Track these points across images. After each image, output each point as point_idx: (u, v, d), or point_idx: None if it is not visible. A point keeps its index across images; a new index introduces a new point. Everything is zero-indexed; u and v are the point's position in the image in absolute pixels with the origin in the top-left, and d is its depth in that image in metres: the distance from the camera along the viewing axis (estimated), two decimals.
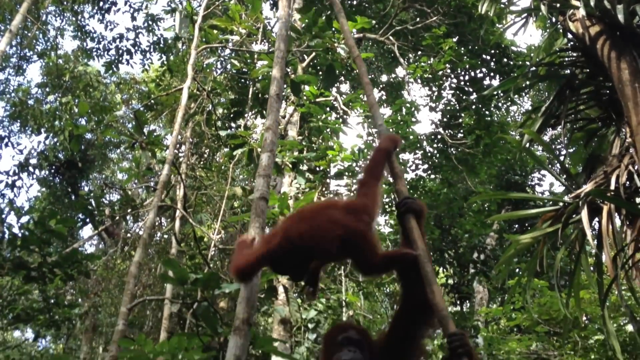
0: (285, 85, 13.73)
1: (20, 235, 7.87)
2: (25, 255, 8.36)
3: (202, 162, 15.11)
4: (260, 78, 11.54)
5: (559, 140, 15.97)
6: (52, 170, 20.50)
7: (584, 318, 8.98)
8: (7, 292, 11.59)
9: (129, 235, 16.93)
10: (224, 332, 5.22)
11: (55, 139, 18.90)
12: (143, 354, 5.36)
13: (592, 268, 5.19)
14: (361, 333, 3.14)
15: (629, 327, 8.73)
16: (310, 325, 10.92)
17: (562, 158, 6.31)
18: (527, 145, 6.18)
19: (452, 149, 15.28)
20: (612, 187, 4.58)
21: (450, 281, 19.37)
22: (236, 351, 3.18)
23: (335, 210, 3.25)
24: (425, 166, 16.53)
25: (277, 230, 3.25)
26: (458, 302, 19.14)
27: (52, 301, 10.44)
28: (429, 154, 16.14)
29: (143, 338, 5.29)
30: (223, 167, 14.96)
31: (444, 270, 18.90)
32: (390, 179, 3.78)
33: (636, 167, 4.52)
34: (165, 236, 15.88)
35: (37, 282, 8.44)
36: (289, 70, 11.51)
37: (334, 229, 3.07)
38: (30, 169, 19.51)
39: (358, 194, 3.58)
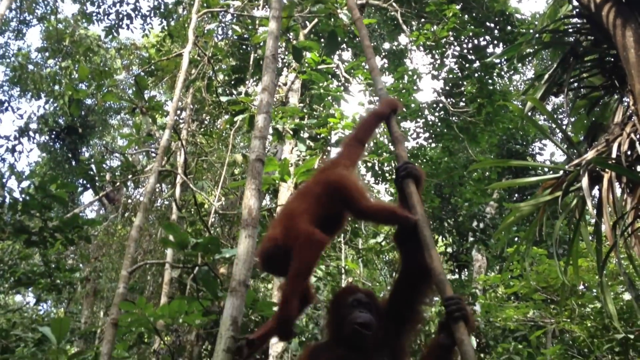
0: (286, 52, 13.69)
1: (21, 199, 7.89)
2: (26, 220, 8.38)
3: (202, 129, 15.07)
4: (261, 44, 11.43)
5: (561, 110, 15.93)
6: (53, 136, 20.48)
7: (582, 287, 9.04)
8: (8, 257, 11.67)
9: (129, 201, 16.98)
10: (224, 296, 5.25)
11: (56, 104, 18.85)
12: (144, 317, 5.41)
13: (591, 237, 5.20)
14: (369, 296, 3.17)
15: (626, 296, 8.80)
16: None
17: (564, 126, 6.26)
18: (530, 113, 6.15)
19: (453, 118, 15.23)
20: (614, 155, 4.56)
21: (449, 250, 19.48)
22: (233, 312, 3.19)
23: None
24: (427, 135, 16.49)
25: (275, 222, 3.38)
26: (456, 271, 19.25)
27: (53, 265, 10.52)
28: (431, 123, 16.08)
29: (143, 301, 5.33)
30: (224, 134, 14.92)
31: (443, 239, 18.97)
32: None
33: (638, 135, 4.50)
34: (166, 202, 15.91)
35: (37, 246, 8.47)
36: (290, 36, 11.41)
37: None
38: (31, 133, 19.50)
39: (339, 156, 3.61)
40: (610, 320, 8.30)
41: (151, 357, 10.23)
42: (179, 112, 13.06)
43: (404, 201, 3.28)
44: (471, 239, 18.03)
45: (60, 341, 5.39)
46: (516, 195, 18.25)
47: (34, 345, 10.53)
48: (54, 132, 20.29)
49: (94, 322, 16.27)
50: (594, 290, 8.96)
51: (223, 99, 9.47)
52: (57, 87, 17.54)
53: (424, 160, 16.48)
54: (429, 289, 3.15)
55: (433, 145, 17.16)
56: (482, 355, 12.61)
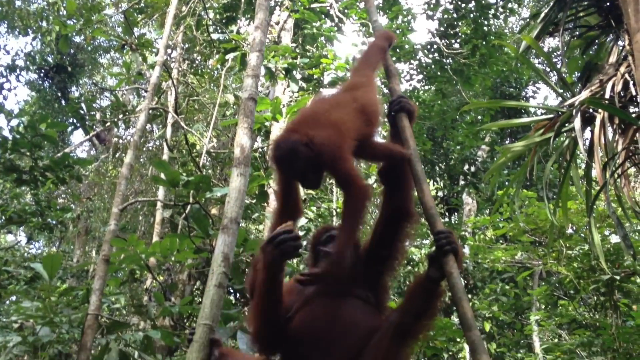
0: None
1: (10, 138, 7.83)
2: (16, 159, 8.34)
3: (193, 68, 14.86)
4: None
5: (555, 53, 15.79)
6: (42, 74, 20.21)
7: (570, 231, 9.14)
8: None
9: (120, 141, 16.88)
10: (215, 235, 5.28)
11: (44, 42, 18.52)
12: (135, 254, 5.45)
13: (580, 180, 5.22)
14: None
15: (613, 238, 8.92)
16: (300, 233, 11.05)
17: (559, 66, 6.21)
18: (525, 53, 6.08)
19: (448, 60, 15.07)
20: (607, 95, 4.54)
21: (440, 194, 19.61)
22: (224, 249, 3.20)
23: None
24: (420, 77, 16.35)
25: None
26: (447, 214, 19.43)
27: (44, 204, 10.52)
28: (424, 65, 15.92)
29: (135, 239, 5.36)
30: (215, 74, 14.75)
31: (435, 183, 19.07)
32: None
33: (632, 75, 4.46)
34: (157, 143, 15.84)
35: (28, 185, 8.46)
36: None
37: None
38: (18, 71, 19.22)
39: (356, 77, 3.53)
40: (597, 262, 8.43)
41: (143, 294, 10.35)
42: (169, 50, 12.85)
43: (395, 136, 3.26)
44: (462, 182, 18.13)
45: (52, 277, 5.44)
46: (508, 139, 18.28)
47: (26, 283, 10.63)
48: (43, 71, 20.02)
49: (86, 262, 16.40)
50: (582, 234, 9.07)
51: (214, 36, 9.32)
52: (44, 24, 17.15)
53: (417, 102, 16.38)
54: (410, 227, 3.15)
55: (426, 87, 17.05)
56: (469, 296, 12.85)
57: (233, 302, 11.11)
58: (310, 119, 3.08)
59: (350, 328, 2.86)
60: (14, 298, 9.93)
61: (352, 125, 3.03)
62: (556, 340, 11.37)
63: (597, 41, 5.91)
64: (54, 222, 11.79)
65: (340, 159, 2.89)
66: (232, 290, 14.48)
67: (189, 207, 5.61)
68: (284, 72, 8.44)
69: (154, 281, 9.83)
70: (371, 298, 3.04)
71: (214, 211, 12.99)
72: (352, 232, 2.93)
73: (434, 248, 2.84)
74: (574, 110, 4.61)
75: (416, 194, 3.02)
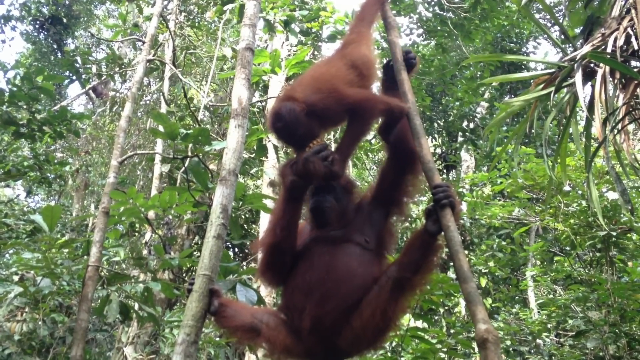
0: None
1: (7, 91, 7.76)
2: (13, 112, 8.29)
3: (190, 21, 14.66)
4: None
5: (558, 7, 15.57)
6: (37, 26, 19.95)
7: (567, 187, 9.16)
8: None
9: (117, 95, 16.77)
10: (214, 188, 5.28)
11: None
12: (134, 207, 5.46)
13: (580, 137, 5.20)
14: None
15: (610, 195, 8.95)
16: None
17: (561, 20, 6.12)
18: (527, 6, 5.98)
19: (448, 13, 14.85)
20: (609, 49, 4.48)
21: (438, 151, 19.60)
22: (223, 200, 3.21)
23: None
24: (420, 31, 16.14)
25: None
26: (445, 171, 19.47)
27: (42, 158, 10.51)
28: (424, 19, 15.69)
29: (134, 191, 5.36)
30: (212, 26, 14.55)
31: (433, 139, 19.04)
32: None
33: (635, 29, 4.40)
34: (154, 97, 15.73)
35: (26, 138, 8.43)
36: None
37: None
38: (13, 21, 18.95)
39: (348, 37, 3.55)
40: (594, 219, 8.49)
41: (143, 248, 10.43)
42: (165, 2, 12.65)
43: (389, 90, 3.28)
44: (460, 139, 18.10)
45: (52, 229, 5.46)
46: (507, 96, 18.18)
47: (27, 236, 10.69)
48: (38, 22, 19.76)
49: (86, 214, 16.46)
50: (580, 191, 9.09)
51: None
52: None
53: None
54: (414, 171, 3.19)
55: (426, 42, 16.86)
56: (466, 252, 12.94)
57: (232, 257, 11.19)
58: (299, 84, 3.17)
59: (345, 279, 2.90)
60: (13, 252, 10.02)
61: (344, 79, 3.11)
62: (551, 295, 11.51)
63: None
64: (53, 176, 11.78)
65: (338, 95, 3.00)
66: (230, 245, 14.61)
67: (187, 160, 5.59)
68: (282, 24, 8.32)
69: (154, 234, 9.89)
70: (370, 243, 3.07)
71: (212, 166, 13.00)
72: (355, 140, 3.07)
73: (431, 203, 2.86)
74: (575, 64, 4.55)
75: (415, 147, 3.02)
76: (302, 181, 2.89)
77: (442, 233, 2.75)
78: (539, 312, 10.86)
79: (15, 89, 7.62)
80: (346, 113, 3.08)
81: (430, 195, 2.84)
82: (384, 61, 3.43)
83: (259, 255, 3.09)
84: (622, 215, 8.35)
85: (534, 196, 10.19)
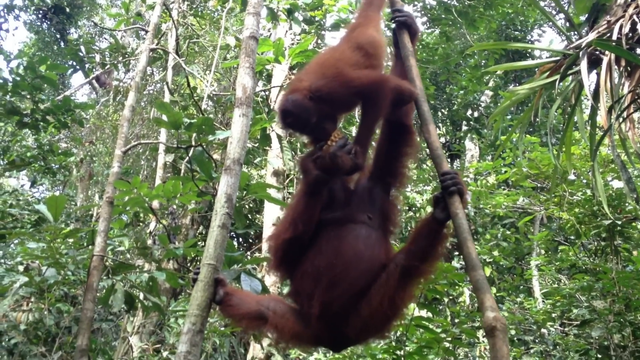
0: None
1: (10, 80, 7.76)
2: (17, 101, 8.29)
3: (193, 9, 14.61)
4: None
5: None
6: (40, 15, 19.93)
7: (572, 177, 9.13)
8: (1, 138, 11.64)
9: (120, 84, 16.75)
10: (218, 178, 5.28)
11: None
12: (139, 196, 5.46)
13: (585, 126, 5.18)
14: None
15: (615, 184, 8.91)
16: None
17: (566, 8, 6.08)
18: None
19: (452, 1, 14.76)
20: (615, 37, 4.45)
21: (443, 140, 19.55)
22: (227, 189, 3.21)
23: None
24: (424, 19, 16.06)
25: None
26: (449, 160, 19.43)
27: (47, 148, 10.52)
28: (429, 7, 15.61)
29: (138, 181, 5.36)
30: (215, 15, 14.51)
31: (437, 128, 18.99)
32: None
33: None
34: (157, 86, 15.72)
35: (30, 128, 8.43)
36: None
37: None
38: (16, 11, 18.95)
39: (355, 21, 3.54)
40: (599, 207, 8.45)
41: (147, 237, 10.45)
42: None
43: (397, 56, 3.32)
44: (465, 128, 18.05)
45: (57, 219, 5.46)
46: (512, 85, 18.11)
47: (32, 226, 10.71)
48: (41, 12, 19.74)
49: (90, 204, 16.49)
50: (584, 179, 9.06)
51: None
52: None
53: (421, 45, 16.16)
54: (410, 144, 3.22)
55: (430, 30, 16.77)
56: None
57: (236, 246, 11.20)
58: (305, 72, 3.16)
59: (353, 263, 2.89)
60: (18, 242, 10.05)
61: (348, 61, 3.09)
62: (556, 285, 11.50)
63: None
64: (57, 166, 11.81)
65: (343, 79, 2.97)
66: (235, 235, 14.64)
67: (191, 149, 5.59)
68: (286, 13, 8.28)
69: (158, 224, 9.90)
70: (373, 220, 3.06)
71: (215, 156, 13.00)
72: (372, 127, 3.05)
73: (438, 190, 2.85)
74: (581, 52, 4.52)
75: (423, 134, 3.01)
76: (328, 175, 2.87)
77: (450, 221, 2.74)
78: (543, 301, 10.85)
79: (18, 78, 7.62)
80: (357, 97, 3.05)
81: (437, 184, 2.83)
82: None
83: (270, 248, 3.05)
84: (627, 204, 8.32)
85: (539, 185, 10.15)
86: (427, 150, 2.97)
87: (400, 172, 3.24)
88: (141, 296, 6.76)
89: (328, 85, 2.95)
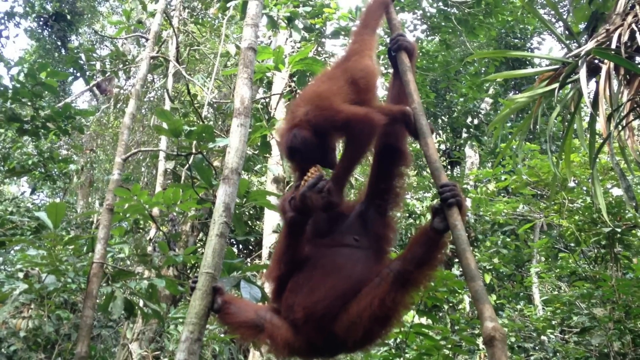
0: None
1: (11, 87, 7.77)
2: (17, 108, 8.30)
3: (194, 17, 14.66)
4: None
5: (561, 4, 15.51)
6: (41, 23, 19.98)
7: (572, 184, 9.14)
8: (1, 145, 11.65)
9: (121, 92, 16.79)
10: (217, 185, 5.28)
11: None
12: (139, 204, 5.47)
13: (585, 133, 5.19)
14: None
15: (615, 191, 8.92)
16: None
17: (565, 16, 6.10)
18: (531, 2, 5.98)
19: (452, 9, 14.80)
20: (614, 46, 4.47)
21: (442, 147, 19.55)
22: (225, 199, 3.24)
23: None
24: (424, 27, 16.09)
25: None
26: (449, 167, 19.43)
27: (47, 155, 10.52)
28: (429, 15, 15.65)
29: (138, 188, 5.37)
30: (216, 23, 14.55)
31: (437, 135, 18.99)
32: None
33: (639, 25, 4.39)
34: (158, 94, 15.75)
35: (30, 135, 8.43)
36: None
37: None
38: (17, 18, 18.99)
39: (359, 45, 3.55)
40: (599, 215, 8.46)
41: (147, 245, 10.45)
42: None
43: (397, 77, 3.33)
44: (465, 135, 18.06)
45: (57, 226, 5.46)
46: (512, 92, 18.13)
47: (32, 233, 10.70)
48: (42, 19, 19.79)
49: (90, 211, 16.49)
50: (584, 187, 9.07)
51: None
52: None
53: (421, 53, 16.19)
54: (403, 162, 3.27)
55: (430, 38, 16.80)
56: (470, 249, 12.91)
57: (236, 253, 11.21)
58: (303, 102, 3.20)
59: (332, 272, 2.97)
60: (18, 249, 10.04)
61: (340, 95, 3.12)
62: (556, 292, 11.50)
63: None
64: (57, 174, 11.81)
65: (334, 113, 3.01)
66: (235, 242, 14.64)
67: (192, 157, 5.60)
68: (285, 20, 8.31)
69: (158, 231, 9.91)
70: (360, 241, 3.11)
71: (216, 163, 13.01)
72: (353, 162, 3.10)
73: (436, 201, 2.87)
74: (580, 61, 4.54)
75: (421, 147, 3.03)
76: (301, 217, 2.93)
77: (448, 231, 2.75)
78: (543, 308, 10.84)
79: (19, 85, 7.62)
80: (340, 131, 3.12)
81: (436, 192, 2.85)
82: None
83: (268, 277, 3.17)
84: (626, 211, 8.32)
85: (539, 192, 10.16)
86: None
87: (394, 192, 3.28)
88: (141, 303, 6.76)
89: (317, 118, 3.03)
